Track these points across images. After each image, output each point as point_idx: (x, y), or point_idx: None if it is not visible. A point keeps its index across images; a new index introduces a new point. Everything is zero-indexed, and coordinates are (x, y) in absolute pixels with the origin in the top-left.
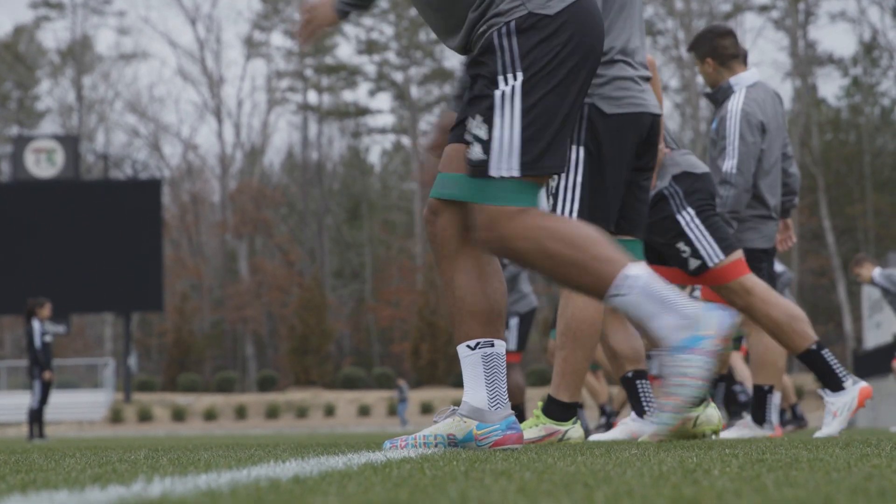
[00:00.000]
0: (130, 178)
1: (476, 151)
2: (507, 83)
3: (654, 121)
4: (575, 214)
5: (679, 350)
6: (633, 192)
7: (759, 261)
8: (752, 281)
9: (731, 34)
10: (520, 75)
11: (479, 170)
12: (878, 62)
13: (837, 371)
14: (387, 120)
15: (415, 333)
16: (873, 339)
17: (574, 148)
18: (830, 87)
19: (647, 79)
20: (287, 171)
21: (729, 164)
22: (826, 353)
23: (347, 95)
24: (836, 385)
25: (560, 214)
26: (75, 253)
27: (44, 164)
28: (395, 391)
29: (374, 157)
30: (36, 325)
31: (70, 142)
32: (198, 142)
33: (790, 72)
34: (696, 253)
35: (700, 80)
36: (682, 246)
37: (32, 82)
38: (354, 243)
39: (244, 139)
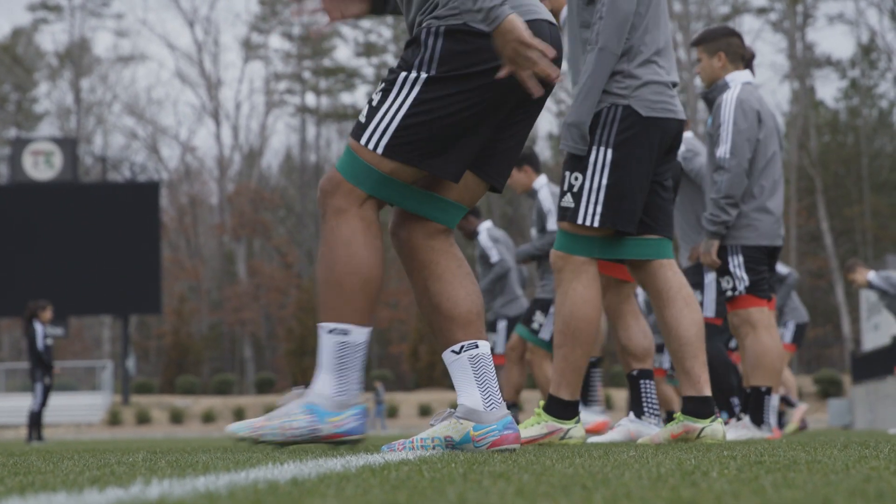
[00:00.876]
0: (128, 181)
1: (362, 114)
2: (416, 72)
3: (680, 127)
4: (598, 218)
5: (307, 406)
6: (656, 191)
7: (760, 261)
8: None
9: (741, 36)
10: (431, 72)
11: (355, 129)
12: (877, 64)
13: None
14: None
15: (413, 335)
16: (871, 341)
17: (602, 149)
18: (829, 89)
19: (676, 84)
20: (285, 174)
21: (722, 149)
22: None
23: (346, 98)
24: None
25: (583, 216)
26: (73, 255)
27: (42, 166)
28: (372, 393)
29: None
30: (38, 327)
31: (68, 144)
32: (196, 144)
33: (788, 74)
34: None
35: (698, 82)
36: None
37: (30, 85)
38: None
39: (242, 141)
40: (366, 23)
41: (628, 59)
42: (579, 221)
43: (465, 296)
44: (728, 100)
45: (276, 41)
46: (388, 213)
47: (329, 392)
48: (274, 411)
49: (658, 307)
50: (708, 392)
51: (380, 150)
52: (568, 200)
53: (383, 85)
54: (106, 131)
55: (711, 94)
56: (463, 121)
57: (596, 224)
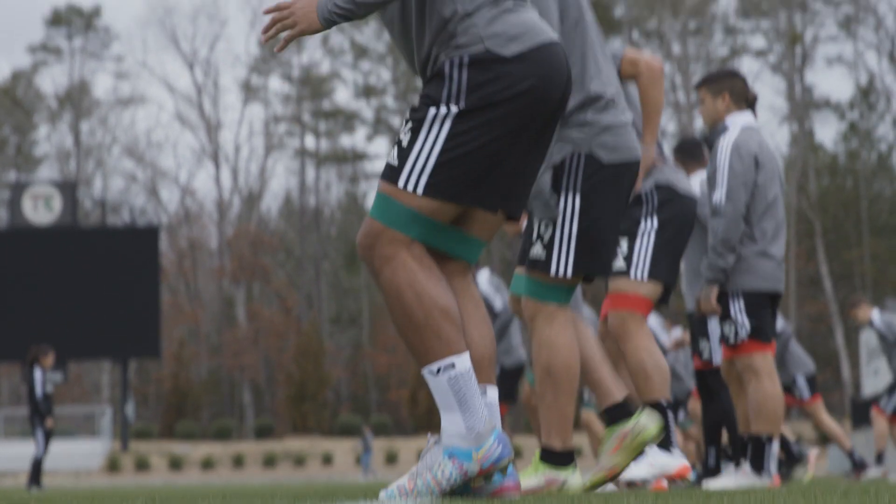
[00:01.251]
0: (128, 225)
1: (392, 156)
2: (445, 108)
3: (638, 167)
4: (571, 268)
5: (446, 453)
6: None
7: (762, 306)
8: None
9: (744, 78)
10: (461, 105)
11: (389, 173)
12: (876, 107)
13: None
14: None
15: (412, 380)
16: (871, 386)
17: (570, 196)
18: (828, 131)
19: (630, 122)
20: (284, 217)
21: (718, 194)
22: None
23: (345, 140)
24: None
25: (556, 267)
26: (72, 300)
27: (41, 210)
28: (360, 440)
29: (371, 203)
30: (38, 373)
31: (68, 188)
32: (195, 187)
33: (787, 116)
34: (628, 257)
35: (698, 124)
36: (623, 244)
37: (30, 127)
38: (352, 289)
39: (242, 184)
40: (365, 65)
41: (587, 107)
42: (552, 273)
43: (479, 339)
44: (725, 144)
45: (275, 83)
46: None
47: (461, 430)
48: (417, 467)
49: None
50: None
51: (420, 190)
52: (539, 251)
53: (411, 124)
54: (105, 174)
55: (712, 138)
56: (497, 150)
57: (569, 275)
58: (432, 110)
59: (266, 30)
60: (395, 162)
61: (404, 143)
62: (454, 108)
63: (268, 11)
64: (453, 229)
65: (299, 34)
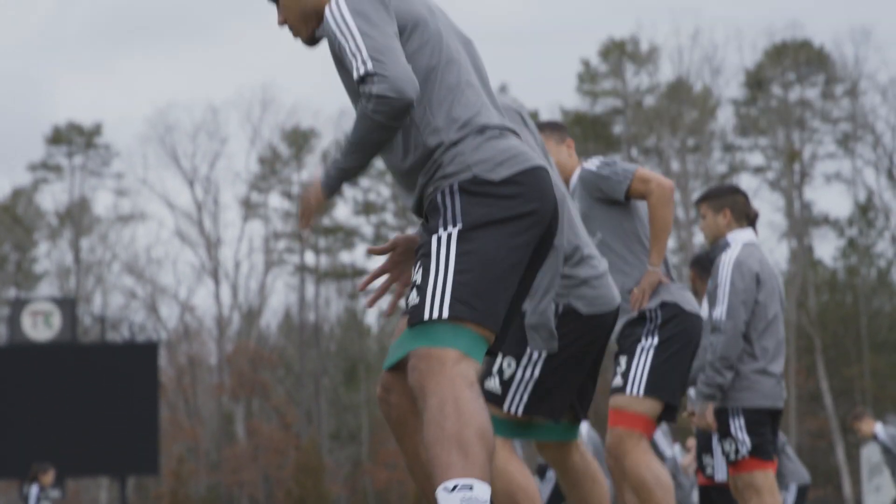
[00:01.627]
0: (127, 341)
1: (413, 296)
2: (446, 231)
3: (616, 315)
4: (522, 408)
5: None
6: (587, 379)
7: (762, 423)
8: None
9: (746, 195)
10: (459, 225)
11: (414, 314)
12: (874, 223)
13: None
14: (383, 281)
15: (413, 496)
16: (873, 502)
17: None
18: (827, 247)
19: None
20: (284, 333)
21: (718, 311)
22: None
23: (345, 256)
24: None
25: (509, 404)
26: (71, 416)
27: (41, 326)
28: None
29: (371, 319)
30: (33, 490)
31: (67, 304)
32: (195, 303)
33: (786, 232)
34: (626, 373)
35: (697, 240)
36: (622, 360)
37: (30, 244)
38: (351, 405)
39: (241, 301)
40: (364, 181)
41: (564, 262)
42: (505, 409)
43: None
44: (726, 260)
45: (275, 200)
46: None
47: None
48: None
49: (566, 485)
50: None
51: (445, 314)
52: (495, 385)
53: (420, 262)
54: (105, 291)
55: (712, 254)
56: (505, 270)
57: (520, 414)
58: (434, 238)
59: (300, 223)
60: (415, 300)
61: (419, 280)
62: (454, 229)
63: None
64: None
65: (311, 212)
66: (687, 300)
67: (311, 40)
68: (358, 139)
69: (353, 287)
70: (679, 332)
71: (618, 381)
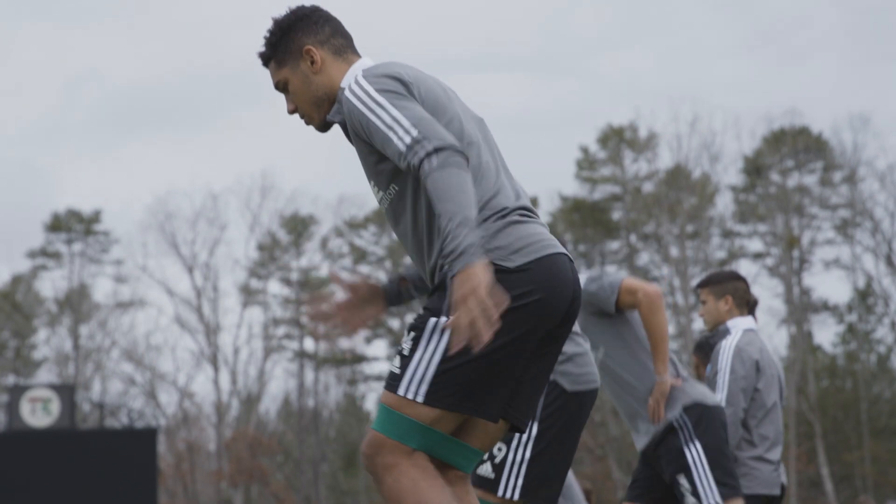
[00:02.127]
0: (126, 427)
1: (395, 364)
2: (446, 317)
3: (596, 394)
4: (518, 491)
5: None
6: None
7: None
8: None
9: (747, 282)
10: None
11: (390, 382)
12: (874, 309)
13: None
14: (383, 367)
15: None
16: None
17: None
18: (826, 333)
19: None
20: (283, 419)
21: (718, 397)
22: None
23: (344, 343)
24: None
25: (503, 489)
26: (70, 503)
27: (39, 413)
28: None
29: (370, 405)
30: None
31: (66, 391)
32: (194, 390)
33: (785, 318)
34: (695, 491)
35: (696, 326)
36: (683, 481)
37: (29, 331)
38: (350, 491)
39: (240, 387)
40: (364, 268)
41: None
42: (499, 494)
43: None
44: (727, 347)
45: (274, 286)
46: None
47: None
48: None
49: None
50: None
51: (420, 398)
52: (487, 470)
53: (413, 333)
54: (104, 377)
55: (713, 340)
56: (499, 360)
57: (516, 498)
58: (432, 320)
59: (336, 332)
60: (396, 370)
61: (406, 352)
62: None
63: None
64: (453, 440)
65: (338, 308)
66: (704, 394)
67: (324, 126)
68: (452, 195)
69: (352, 373)
70: (713, 429)
71: (691, 501)
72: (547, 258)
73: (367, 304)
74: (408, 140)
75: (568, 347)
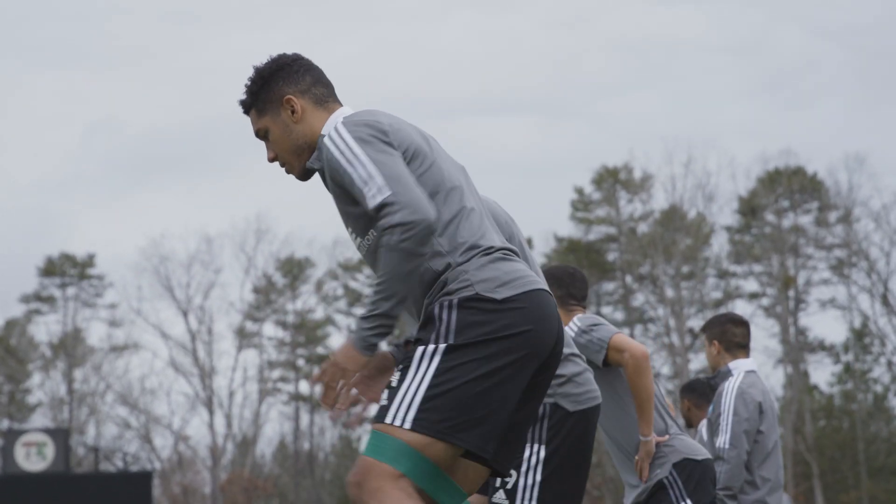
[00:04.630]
0: (121, 471)
1: (384, 397)
2: (434, 345)
3: (599, 409)
4: None
5: None
6: None
7: None
8: None
9: (745, 324)
10: (449, 341)
11: (379, 412)
12: (870, 349)
13: None
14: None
15: None
16: None
17: (535, 447)
18: (822, 373)
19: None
20: (279, 462)
21: (722, 439)
22: None
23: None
24: None
25: None
26: None
27: (34, 457)
28: None
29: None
30: None
31: (60, 435)
32: (189, 433)
33: (782, 358)
34: None
35: (693, 366)
36: None
37: (24, 376)
38: None
39: (236, 430)
40: (359, 310)
41: None
42: None
43: None
44: (729, 389)
45: (269, 329)
46: None
47: None
48: None
49: None
50: None
51: (407, 424)
52: (501, 498)
53: (401, 366)
54: (99, 421)
55: (713, 381)
56: (489, 389)
57: None
58: (421, 348)
59: (326, 399)
60: (385, 401)
61: (394, 383)
62: (442, 345)
63: (315, 381)
64: (443, 475)
65: (354, 382)
66: (693, 449)
67: (305, 174)
68: (389, 274)
69: (348, 415)
70: (704, 485)
71: None
72: (534, 293)
73: (380, 375)
74: (378, 200)
75: (566, 369)
